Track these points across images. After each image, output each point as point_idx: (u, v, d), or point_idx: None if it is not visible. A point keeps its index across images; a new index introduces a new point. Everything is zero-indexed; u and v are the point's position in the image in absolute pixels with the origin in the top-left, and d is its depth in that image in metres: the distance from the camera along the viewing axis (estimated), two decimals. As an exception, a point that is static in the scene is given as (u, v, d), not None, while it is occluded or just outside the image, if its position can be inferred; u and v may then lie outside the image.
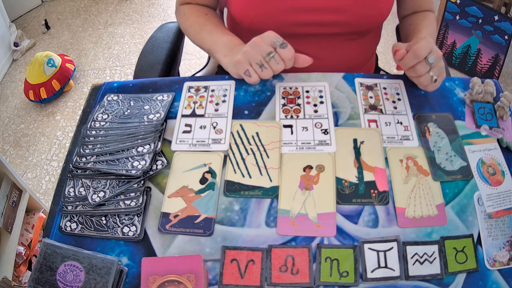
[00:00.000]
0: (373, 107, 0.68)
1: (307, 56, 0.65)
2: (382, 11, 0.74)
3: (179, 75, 1.05)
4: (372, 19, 0.74)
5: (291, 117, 0.67)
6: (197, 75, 1.07)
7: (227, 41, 0.72)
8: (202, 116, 0.68)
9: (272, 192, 0.58)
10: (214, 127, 0.66)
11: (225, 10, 1.00)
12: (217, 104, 0.70)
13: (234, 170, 0.61)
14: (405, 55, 0.64)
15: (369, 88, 0.71)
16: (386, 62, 2.08)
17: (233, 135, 0.65)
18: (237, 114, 0.68)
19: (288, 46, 0.63)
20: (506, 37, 1.77)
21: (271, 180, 0.59)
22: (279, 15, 0.73)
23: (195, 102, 0.70)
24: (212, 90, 0.72)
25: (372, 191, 0.58)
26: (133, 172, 0.59)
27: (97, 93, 0.74)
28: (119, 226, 0.56)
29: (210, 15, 0.80)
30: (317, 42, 0.77)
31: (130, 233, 0.55)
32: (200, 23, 0.78)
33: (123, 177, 0.59)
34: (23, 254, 1.27)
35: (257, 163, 0.61)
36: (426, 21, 0.80)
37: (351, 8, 0.72)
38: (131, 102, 0.70)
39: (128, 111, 0.68)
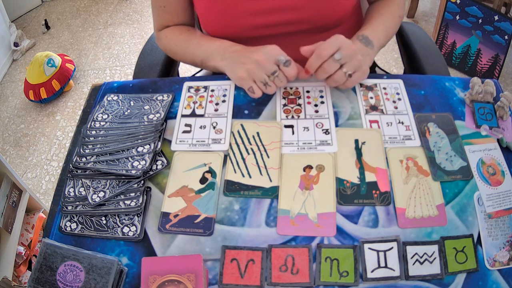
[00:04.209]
0: (374, 108, 0.68)
1: (303, 70, 0.67)
2: (342, 3, 0.72)
3: (178, 75, 1.05)
4: (333, 12, 0.73)
5: (292, 117, 0.67)
6: (197, 75, 1.07)
7: (219, 46, 0.72)
8: (202, 116, 0.68)
9: (272, 192, 0.58)
10: (214, 127, 0.66)
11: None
12: (217, 104, 0.70)
13: (234, 170, 0.61)
14: (310, 58, 0.63)
15: (369, 88, 0.71)
16: (386, 62, 2.08)
17: (233, 135, 0.65)
18: (237, 114, 0.68)
19: (292, 63, 0.64)
20: (506, 37, 1.77)
21: (271, 180, 0.59)
22: (236, 20, 0.73)
23: (195, 102, 0.70)
24: (212, 90, 0.72)
25: (374, 191, 0.58)
26: (133, 172, 0.59)
27: (97, 93, 0.74)
28: (119, 226, 0.56)
29: (192, 30, 0.81)
30: (288, 42, 0.76)
31: (130, 233, 0.55)
32: (185, 39, 0.78)
33: (123, 177, 0.59)
34: (23, 254, 1.27)
35: (257, 163, 0.61)
36: (383, 10, 0.77)
37: (307, 5, 0.71)
38: (131, 102, 0.70)
39: (128, 111, 0.68)
